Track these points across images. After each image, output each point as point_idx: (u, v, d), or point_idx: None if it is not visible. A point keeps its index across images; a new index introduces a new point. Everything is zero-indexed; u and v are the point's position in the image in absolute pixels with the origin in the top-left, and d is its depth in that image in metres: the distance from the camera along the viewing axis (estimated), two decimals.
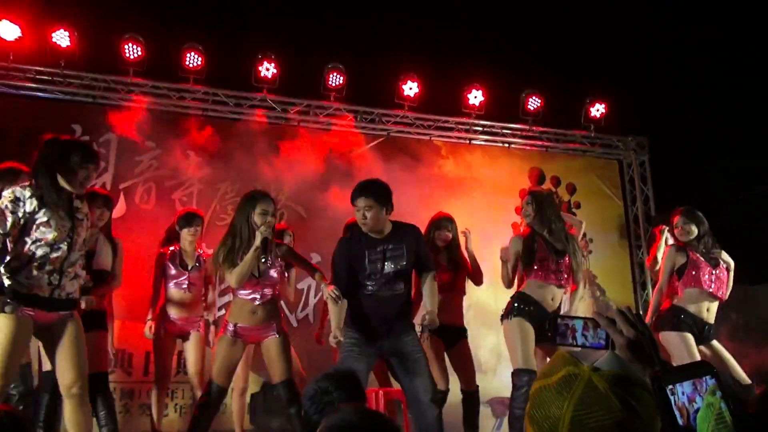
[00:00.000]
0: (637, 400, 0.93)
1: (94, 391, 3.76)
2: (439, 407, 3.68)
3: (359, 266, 3.55)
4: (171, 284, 4.53)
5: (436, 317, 3.63)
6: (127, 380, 5.54)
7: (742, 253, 5.00)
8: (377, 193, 3.54)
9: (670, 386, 0.95)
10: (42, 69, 6.00)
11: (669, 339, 4.36)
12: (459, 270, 4.72)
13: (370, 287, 3.56)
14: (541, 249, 4.11)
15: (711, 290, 4.35)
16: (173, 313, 4.52)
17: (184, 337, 4.58)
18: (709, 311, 4.39)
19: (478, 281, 4.76)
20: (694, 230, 4.47)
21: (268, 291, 3.79)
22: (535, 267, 4.09)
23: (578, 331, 1.28)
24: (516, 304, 4.08)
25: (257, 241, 3.61)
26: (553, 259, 4.06)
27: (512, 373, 3.98)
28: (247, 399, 5.16)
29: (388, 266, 3.54)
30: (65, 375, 3.10)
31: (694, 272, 4.38)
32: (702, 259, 4.42)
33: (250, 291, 3.73)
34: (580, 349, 1.25)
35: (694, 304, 4.36)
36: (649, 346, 1.16)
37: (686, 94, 7.96)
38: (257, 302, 3.73)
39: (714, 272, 4.39)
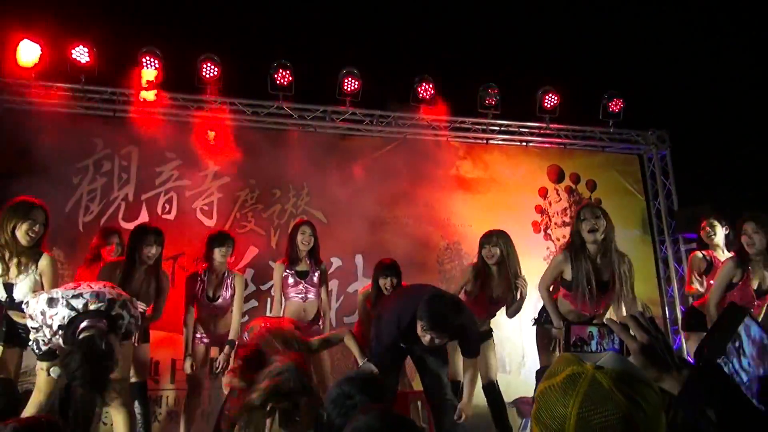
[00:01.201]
0: (641, 396, 0.94)
1: (134, 398, 3.91)
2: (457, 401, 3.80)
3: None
4: (200, 308, 4.68)
5: (470, 409, 3.70)
6: (154, 387, 5.61)
7: None
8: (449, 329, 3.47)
9: (721, 357, 0.88)
10: (63, 85, 6.13)
11: None
12: (504, 295, 4.49)
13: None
14: (583, 276, 3.87)
15: None
16: (205, 329, 4.70)
17: (220, 346, 4.72)
18: None
19: (511, 314, 4.58)
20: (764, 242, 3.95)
21: None
22: (571, 292, 3.98)
23: (593, 338, 1.29)
24: (546, 314, 4.20)
25: None
26: (592, 291, 3.86)
27: (536, 371, 4.07)
28: None
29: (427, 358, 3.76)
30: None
31: (739, 298, 3.95)
32: (752, 287, 4.02)
33: None
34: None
35: None
36: (663, 351, 1.15)
37: (706, 85, 7.83)
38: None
39: (757, 303, 4.08)
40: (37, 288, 3.56)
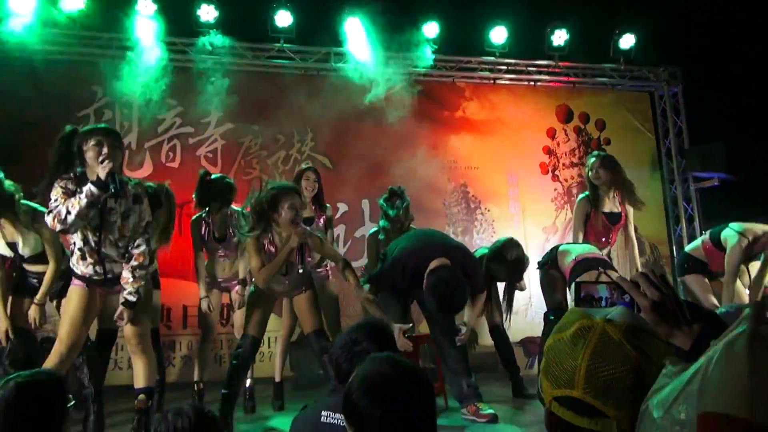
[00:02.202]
0: (650, 349, 0.94)
1: None
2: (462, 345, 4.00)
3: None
4: (209, 252, 4.61)
5: (468, 335, 3.95)
6: (167, 333, 5.72)
7: None
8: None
9: None
10: (59, 32, 5.98)
11: None
12: None
13: None
14: (593, 214, 4.60)
15: None
16: (216, 273, 4.65)
17: (229, 291, 4.70)
18: None
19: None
20: None
21: (297, 274, 3.82)
22: (589, 227, 4.53)
23: (602, 295, 1.27)
24: (550, 259, 4.29)
25: (293, 243, 3.55)
26: (604, 224, 4.49)
27: (544, 314, 4.14)
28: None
29: None
30: (126, 332, 3.31)
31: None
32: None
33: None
34: None
35: None
36: (675, 307, 1.13)
37: (719, 21, 7.56)
38: (287, 281, 3.78)
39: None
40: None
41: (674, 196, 7.52)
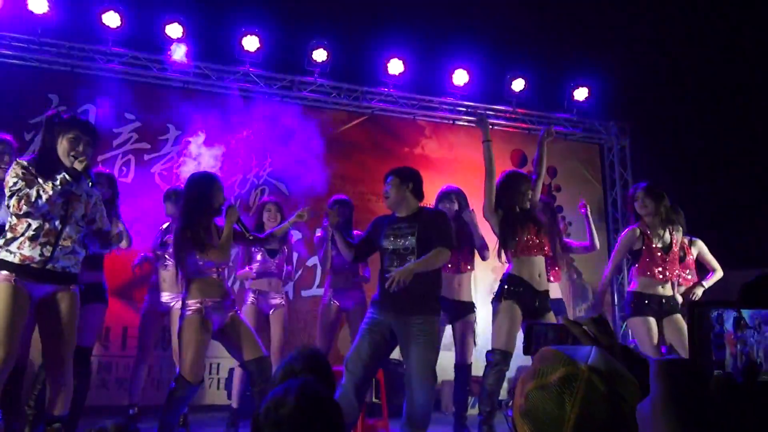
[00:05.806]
0: (629, 395, 0.96)
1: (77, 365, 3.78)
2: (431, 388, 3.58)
3: (378, 243, 3.77)
4: (157, 264, 4.57)
5: (403, 273, 3.44)
6: (104, 354, 5.52)
7: (718, 237, 5.14)
8: (400, 172, 3.82)
9: (716, 312, 0.86)
10: (18, 36, 5.83)
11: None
12: (462, 246, 4.67)
13: (385, 264, 3.69)
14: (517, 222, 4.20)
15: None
16: (159, 290, 4.55)
17: (169, 312, 4.56)
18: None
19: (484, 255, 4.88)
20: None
21: (222, 265, 3.75)
22: (517, 242, 4.08)
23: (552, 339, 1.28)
24: (506, 287, 4.05)
25: (232, 218, 3.64)
26: (534, 231, 4.13)
27: (488, 351, 4.00)
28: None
29: (398, 243, 3.65)
30: (45, 351, 3.11)
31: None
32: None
33: (210, 266, 3.64)
34: None
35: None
36: (619, 354, 1.17)
37: (669, 78, 8.01)
38: (215, 275, 3.64)
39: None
40: None
41: None
